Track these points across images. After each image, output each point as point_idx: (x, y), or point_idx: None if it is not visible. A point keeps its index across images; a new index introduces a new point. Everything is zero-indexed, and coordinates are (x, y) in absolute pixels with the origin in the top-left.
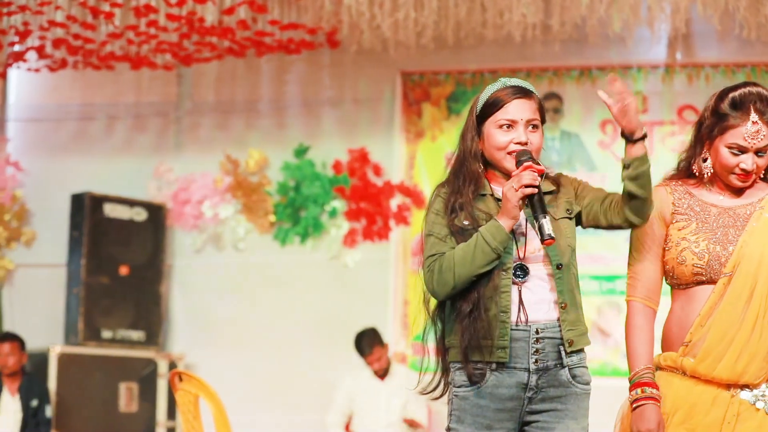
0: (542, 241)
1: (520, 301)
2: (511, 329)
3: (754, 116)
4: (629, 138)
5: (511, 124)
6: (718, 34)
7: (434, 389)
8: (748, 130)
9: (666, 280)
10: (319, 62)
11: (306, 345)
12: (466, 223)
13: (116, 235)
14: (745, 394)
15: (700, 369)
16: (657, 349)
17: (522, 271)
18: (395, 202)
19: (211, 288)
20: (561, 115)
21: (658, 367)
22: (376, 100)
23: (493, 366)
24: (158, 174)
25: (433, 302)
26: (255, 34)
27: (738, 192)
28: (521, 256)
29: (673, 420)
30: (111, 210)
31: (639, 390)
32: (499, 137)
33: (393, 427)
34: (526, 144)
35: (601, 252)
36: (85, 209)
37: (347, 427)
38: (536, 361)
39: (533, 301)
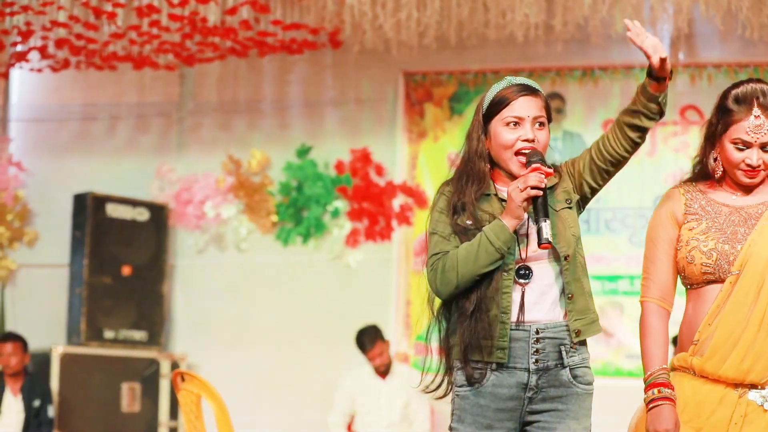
0: (539, 244)
1: (522, 302)
2: (511, 329)
3: (756, 111)
4: (661, 76)
5: (517, 122)
6: (720, 34)
7: (437, 388)
8: (750, 123)
9: (680, 280)
10: (321, 62)
11: (308, 345)
12: (468, 223)
13: (118, 235)
14: (753, 395)
15: (707, 368)
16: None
17: (525, 271)
18: (397, 202)
19: (213, 288)
20: (563, 115)
21: (673, 368)
22: (378, 100)
23: (494, 366)
24: (160, 174)
25: (437, 301)
26: (257, 34)
27: (751, 191)
28: (524, 257)
29: (681, 419)
30: (113, 210)
31: (655, 390)
32: (506, 135)
33: (395, 427)
34: (533, 141)
35: (602, 252)
36: (88, 209)
37: (349, 427)
38: (536, 361)
39: (535, 302)
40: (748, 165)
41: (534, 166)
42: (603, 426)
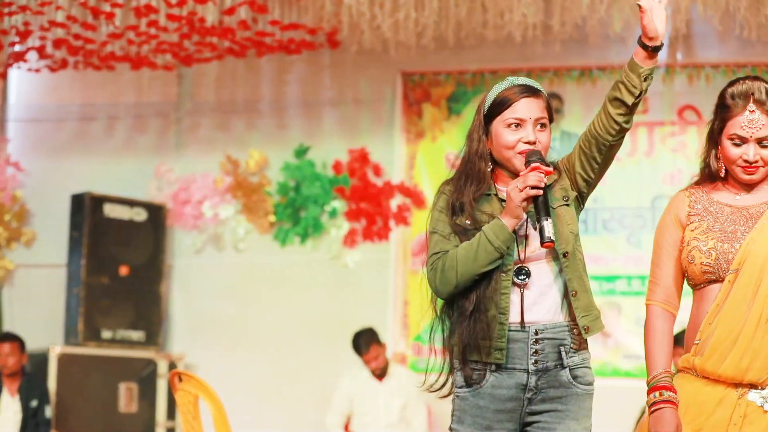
0: (542, 243)
1: (521, 303)
2: (510, 330)
3: (752, 106)
4: (650, 46)
5: (519, 123)
6: (718, 34)
7: (441, 387)
8: (745, 118)
9: (686, 282)
10: (319, 62)
11: (306, 345)
12: (467, 223)
13: (116, 235)
14: (753, 396)
15: (707, 367)
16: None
17: (523, 273)
18: (395, 202)
19: (211, 288)
20: (561, 115)
21: (678, 370)
22: (376, 100)
23: (493, 367)
24: (158, 174)
25: (440, 300)
26: (255, 35)
27: (754, 191)
28: (522, 257)
29: (683, 420)
30: (111, 210)
31: (657, 393)
32: (507, 136)
33: (393, 428)
34: (534, 143)
35: (600, 252)
36: (85, 209)
37: (346, 428)
38: (536, 362)
39: (534, 302)
40: (746, 161)
41: (533, 165)
42: (600, 426)
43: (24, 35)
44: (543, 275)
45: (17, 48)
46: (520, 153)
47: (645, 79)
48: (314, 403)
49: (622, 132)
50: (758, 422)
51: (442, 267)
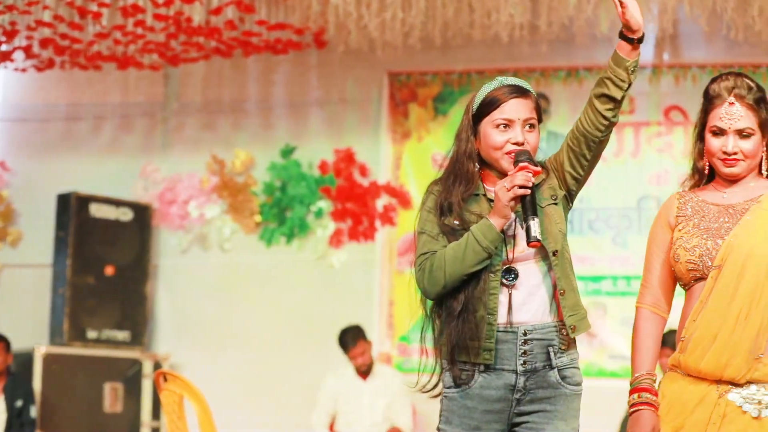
0: (528, 242)
1: (509, 303)
2: (498, 331)
3: (731, 98)
4: (632, 38)
5: (508, 124)
6: (705, 34)
7: (433, 388)
8: (724, 109)
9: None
10: (306, 62)
11: (291, 345)
12: (456, 223)
13: (102, 235)
14: (733, 396)
15: (690, 363)
16: None
17: (511, 273)
18: (381, 202)
19: (196, 288)
20: (548, 115)
21: (668, 369)
22: (362, 100)
23: (481, 368)
24: (144, 174)
25: (429, 300)
26: (242, 35)
27: (741, 189)
28: (510, 258)
29: (665, 419)
30: (97, 210)
31: (636, 395)
32: (495, 137)
33: (377, 427)
34: (522, 144)
35: (586, 253)
36: (71, 209)
37: (331, 427)
38: (524, 362)
39: (523, 302)
40: (724, 152)
41: (521, 165)
42: (585, 426)
43: (10, 35)
44: (531, 275)
45: (4, 47)
46: (508, 153)
47: (632, 72)
48: (300, 403)
49: (610, 127)
50: (737, 422)
51: (430, 267)
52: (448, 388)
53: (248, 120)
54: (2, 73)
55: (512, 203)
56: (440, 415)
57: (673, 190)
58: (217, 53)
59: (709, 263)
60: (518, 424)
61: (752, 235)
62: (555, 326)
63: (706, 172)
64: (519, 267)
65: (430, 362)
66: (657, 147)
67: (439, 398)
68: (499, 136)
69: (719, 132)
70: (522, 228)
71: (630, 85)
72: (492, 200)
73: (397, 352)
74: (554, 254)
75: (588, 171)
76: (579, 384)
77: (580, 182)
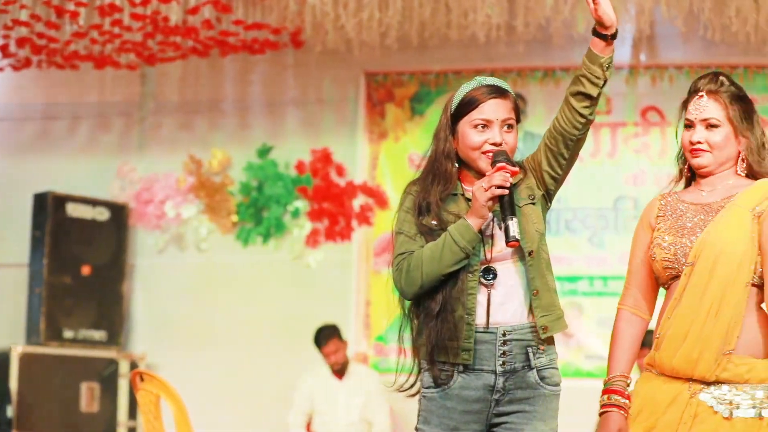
0: (507, 242)
1: (488, 303)
2: (477, 332)
3: (702, 92)
4: (606, 34)
5: (486, 124)
6: (682, 35)
7: (411, 387)
8: (694, 102)
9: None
10: (282, 62)
11: (268, 345)
12: (433, 223)
13: (79, 234)
14: (705, 396)
15: (663, 360)
16: None
17: (489, 273)
18: (358, 202)
19: (173, 288)
20: (525, 115)
21: (645, 369)
22: (339, 100)
23: (460, 368)
24: (121, 174)
25: (407, 300)
26: (219, 34)
27: (719, 188)
28: (488, 257)
29: (637, 418)
30: (73, 210)
31: (606, 397)
32: (473, 137)
33: (353, 427)
34: (500, 144)
35: (562, 253)
36: (48, 209)
37: (308, 427)
38: (503, 363)
39: (502, 303)
40: (691, 142)
41: (499, 165)
42: (561, 426)
43: None
44: (509, 275)
45: None
46: (485, 154)
47: (607, 69)
48: (276, 403)
49: (587, 124)
50: (708, 422)
51: (407, 267)
52: (427, 388)
53: (225, 120)
54: None
55: (490, 203)
56: (419, 415)
57: (649, 190)
58: (194, 53)
59: (683, 260)
60: (497, 425)
61: (724, 231)
62: (532, 327)
63: (685, 171)
64: (497, 267)
65: (408, 362)
66: (634, 147)
67: (416, 398)
68: (477, 136)
69: (690, 124)
70: (500, 228)
71: (605, 81)
72: (470, 200)
73: (373, 352)
74: (530, 254)
75: (566, 170)
76: (558, 384)
77: (558, 181)
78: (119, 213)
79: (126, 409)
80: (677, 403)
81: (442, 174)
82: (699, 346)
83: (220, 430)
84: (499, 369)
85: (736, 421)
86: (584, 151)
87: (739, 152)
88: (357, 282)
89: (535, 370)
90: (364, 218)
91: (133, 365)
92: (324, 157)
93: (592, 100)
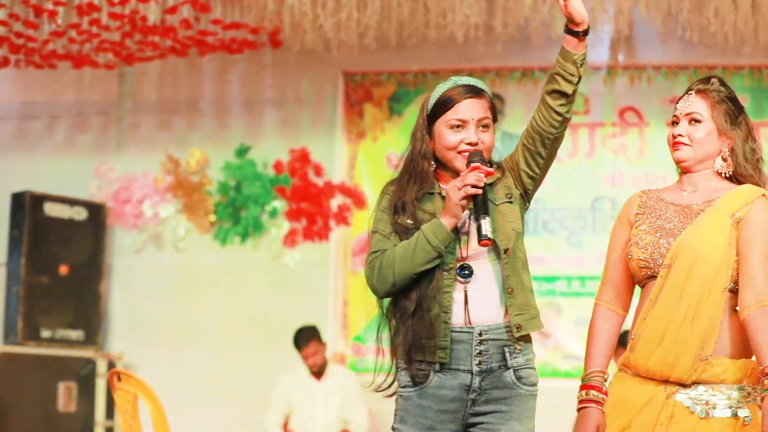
0: (479, 241)
1: (465, 302)
2: (454, 331)
3: (691, 91)
4: (577, 31)
5: (461, 124)
6: (660, 36)
7: (389, 387)
8: (683, 99)
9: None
10: (261, 62)
11: (246, 345)
12: (409, 222)
13: (56, 234)
14: (681, 396)
15: (638, 362)
16: None
17: (466, 270)
18: (336, 202)
19: (150, 288)
20: (503, 116)
21: (619, 369)
22: (318, 100)
23: (437, 367)
24: (99, 173)
25: (386, 300)
26: (197, 34)
27: (701, 189)
28: (464, 255)
29: (611, 417)
30: (51, 209)
31: (584, 392)
32: (449, 137)
33: (330, 428)
34: (476, 144)
35: (540, 253)
36: (26, 208)
37: (285, 427)
38: (480, 363)
39: (478, 301)
40: (673, 135)
41: (473, 165)
42: (539, 426)
43: None
44: (486, 273)
45: None
46: (461, 153)
47: (580, 66)
48: (254, 403)
49: (564, 123)
50: (685, 422)
51: (379, 265)
52: (403, 387)
53: (203, 119)
54: None
55: (463, 202)
56: (395, 415)
57: (627, 190)
58: (173, 52)
59: (660, 261)
60: (473, 425)
61: (703, 235)
62: (508, 326)
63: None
64: (474, 264)
65: (386, 362)
66: (612, 148)
67: (394, 398)
68: (452, 136)
69: (676, 121)
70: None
71: (580, 78)
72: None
73: (351, 352)
74: (505, 252)
75: (544, 170)
76: (535, 384)
77: (536, 181)
78: (97, 212)
79: (103, 409)
80: (653, 404)
81: (419, 173)
82: (675, 349)
83: (197, 430)
84: (475, 369)
85: (712, 421)
86: (562, 152)
87: (721, 152)
88: (335, 282)
89: (511, 370)
90: (342, 218)
91: (111, 365)
92: (302, 157)
93: (568, 97)
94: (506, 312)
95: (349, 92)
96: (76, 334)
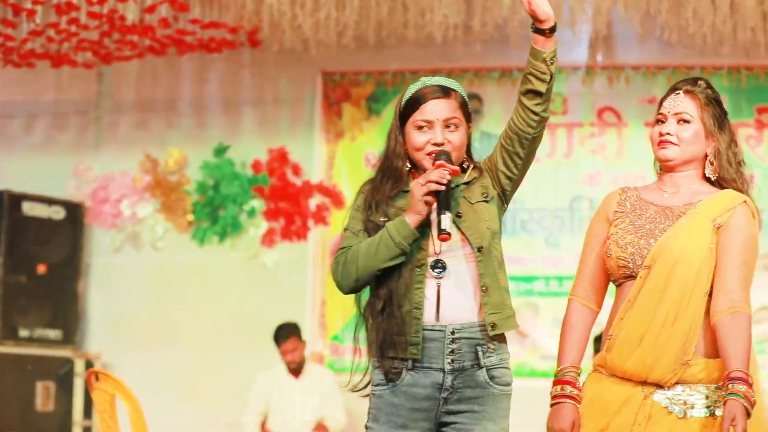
0: (438, 235)
1: (438, 299)
2: (426, 329)
3: (679, 91)
4: (543, 29)
5: (427, 125)
6: (639, 36)
7: (365, 386)
8: (670, 99)
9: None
10: (239, 61)
11: (224, 344)
12: (382, 219)
13: (34, 233)
14: (658, 397)
15: (615, 363)
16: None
17: (439, 266)
18: (314, 202)
19: (128, 287)
20: (481, 116)
21: (594, 369)
22: (296, 99)
23: (409, 364)
24: (77, 172)
25: (363, 299)
26: (176, 33)
27: (682, 191)
28: (437, 251)
29: (586, 417)
30: (29, 208)
31: (559, 387)
32: (416, 138)
33: (308, 426)
34: (442, 144)
35: (518, 253)
36: (4, 207)
37: (263, 426)
38: (452, 361)
39: (452, 299)
40: (660, 133)
41: (438, 163)
42: (516, 426)
43: None
44: (460, 271)
45: None
46: (429, 154)
47: (551, 63)
48: (232, 403)
49: (541, 122)
50: (662, 423)
51: (344, 261)
52: (376, 385)
53: (182, 119)
54: None
55: (427, 198)
56: (368, 413)
57: (606, 190)
58: (151, 52)
59: (640, 262)
60: (446, 424)
61: (684, 238)
62: (481, 325)
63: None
64: (447, 260)
65: (363, 361)
66: (590, 148)
67: (361, 399)
68: (419, 137)
69: (662, 119)
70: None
71: (552, 76)
72: None
73: (329, 352)
74: (479, 250)
75: (522, 171)
76: (508, 384)
77: (514, 182)
78: (75, 212)
79: (81, 409)
80: (631, 405)
81: (393, 172)
82: (655, 352)
83: (175, 430)
84: (447, 367)
85: (690, 420)
86: (540, 152)
87: (706, 155)
88: (313, 282)
89: (484, 369)
90: (321, 218)
91: (89, 364)
92: (280, 157)
93: (542, 96)
94: (480, 310)
95: (328, 92)
96: (54, 334)
